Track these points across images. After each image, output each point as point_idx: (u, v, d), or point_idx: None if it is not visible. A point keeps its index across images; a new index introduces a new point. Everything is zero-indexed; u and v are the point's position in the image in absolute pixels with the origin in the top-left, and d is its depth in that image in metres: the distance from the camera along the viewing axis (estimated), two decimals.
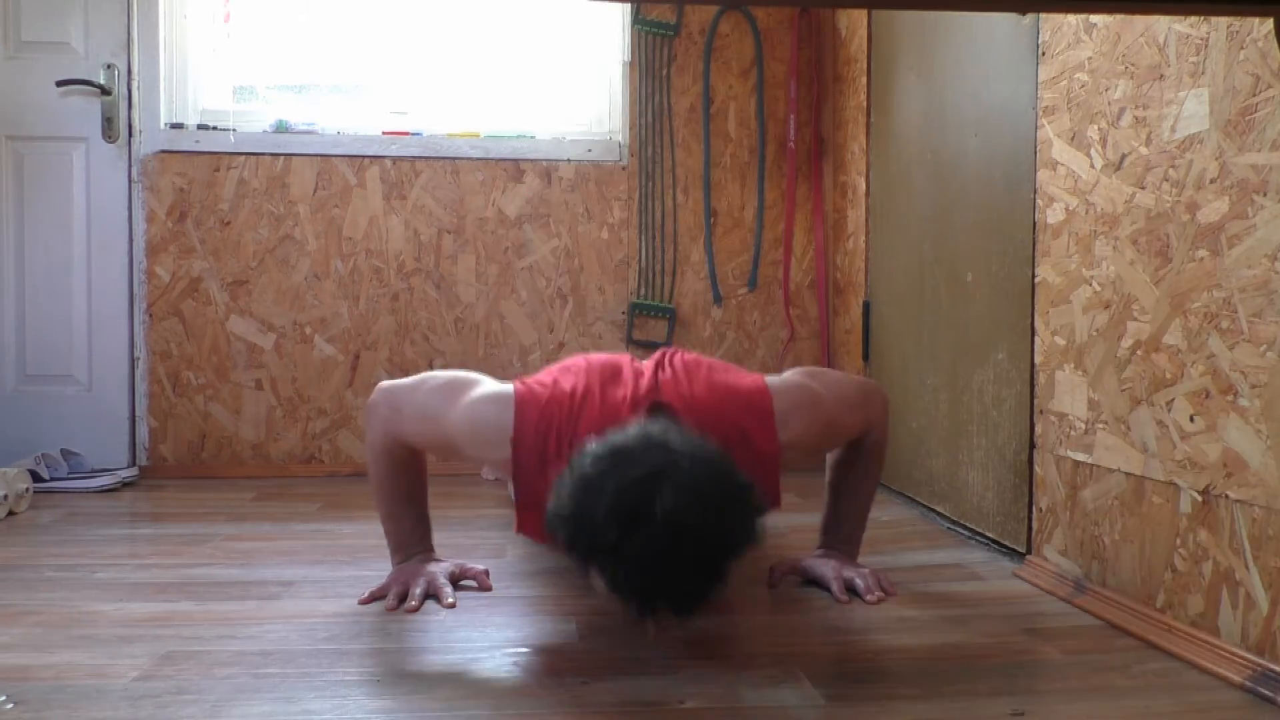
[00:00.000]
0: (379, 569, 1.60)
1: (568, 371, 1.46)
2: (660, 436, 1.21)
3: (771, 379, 1.48)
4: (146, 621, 1.40)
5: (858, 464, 1.59)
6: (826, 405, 1.49)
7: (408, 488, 1.55)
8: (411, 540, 1.57)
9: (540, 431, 1.37)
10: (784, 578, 1.61)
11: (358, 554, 1.79)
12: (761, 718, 1.09)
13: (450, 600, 1.47)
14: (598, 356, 1.51)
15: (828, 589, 1.54)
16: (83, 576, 1.64)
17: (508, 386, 1.44)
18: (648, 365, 1.48)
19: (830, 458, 1.64)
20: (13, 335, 2.62)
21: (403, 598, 1.47)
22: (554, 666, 1.24)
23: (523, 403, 1.39)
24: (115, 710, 1.08)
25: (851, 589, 1.53)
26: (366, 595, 1.50)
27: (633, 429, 1.24)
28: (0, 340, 2.61)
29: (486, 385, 1.46)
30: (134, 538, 2.01)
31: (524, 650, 1.29)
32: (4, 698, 1.11)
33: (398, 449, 1.50)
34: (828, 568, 1.56)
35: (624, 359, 1.49)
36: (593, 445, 1.22)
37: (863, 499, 1.62)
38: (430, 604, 1.47)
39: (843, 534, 1.62)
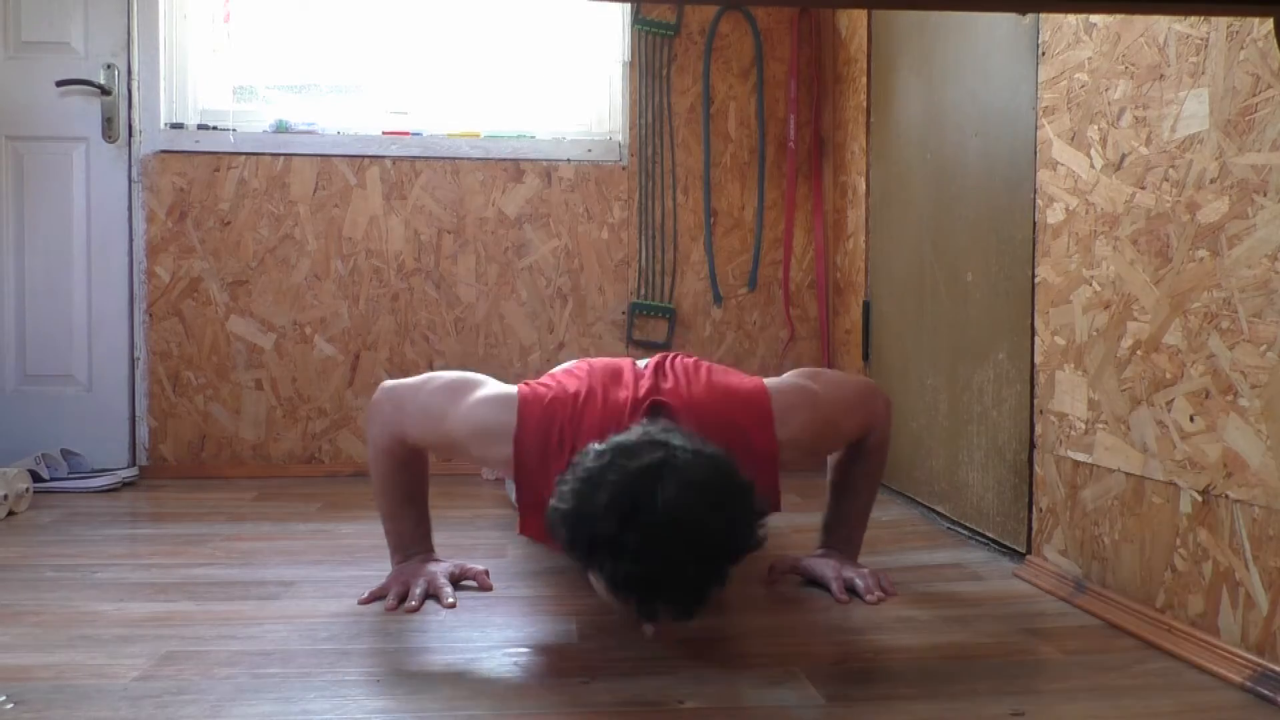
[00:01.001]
0: (379, 569, 1.60)
1: (570, 374, 1.48)
2: (661, 435, 1.23)
3: (770, 380, 1.50)
4: (146, 621, 1.40)
5: (858, 464, 1.59)
6: (825, 405, 1.50)
7: (409, 487, 1.55)
8: (412, 540, 1.57)
9: (543, 430, 1.38)
10: (783, 576, 1.61)
11: (358, 554, 1.79)
12: (761, 718, 1.09)
13: (450, 600, 1.47)
14: (599, 360, 1.53)
15: (828, 589, 1.54)
16: (83, 576, 1.64)
17: (511, 388, 1.46)
18: (648, 368, 1.49)
19: (832, 458, 1.64)
20: (13, 335, 2.62)
21: (403, 598, 1.47)
22: (554, 666, 1.24)
23: (526, 403, 1.41)
24: (115, 710, 1.08)
25: (851, 589, 1.53)
26: (366, 595, 1.50)
27: (635, 429, 1.26)
28: (0, 340, 2.61)
29: (490, 386, 1.48)
30: (134, 538, 2.01)
31: (524, 650, 1.29)
32: (4, 698, 1.11)
33: (399, 448, 1.50)
34: (828, 567, 1.56)
35: (625, 362, 1.52)
36: (595, 445, 1.24)
37: (864, 499, 1.62)
38: (430, 604, 1.47)
39: (843, 534, 1.62)
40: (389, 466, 1.53)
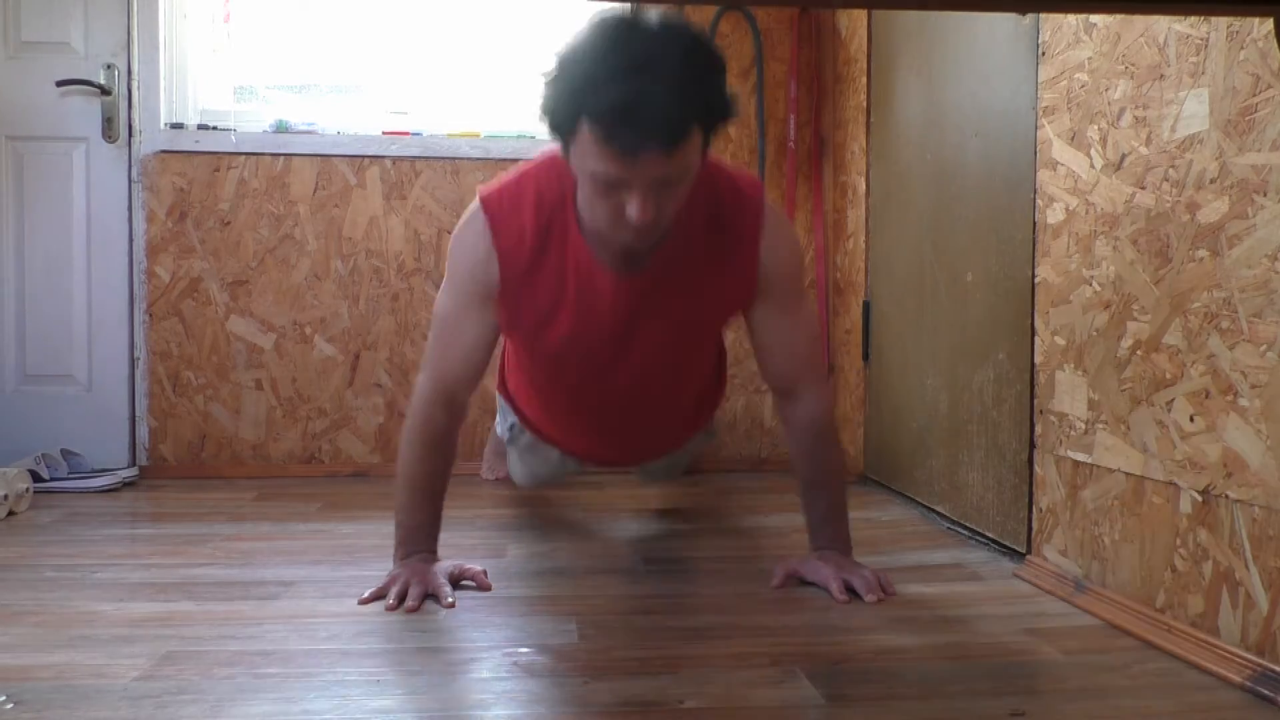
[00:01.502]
0: (379, 569, 1.60)
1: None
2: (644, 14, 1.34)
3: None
4: (146, 621, 1.40)
5: (815, 455, 1.63)
6: (802, 269, 1.68)
7: (431, 479, 1.57)
8: (419, 537, 1.57)
9: (511, 197, 1.49)
10: (786, 580, 1.60)
11: (358, 554, 1.79)
12: (761, 718, 1.09)
13: (450, 600, 1.47)
14: None
15: (827, 589, 1.54)
16: (83, 576, 1.64)
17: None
18: None
19: (791, 453, 1.67)
20: (13, 335, 2.62)
21: (402, 597, 1.47)
22: (554, 666, 1.24)
23: (486, 193, 1.52)
24: (115, 710, 1.08)
25: (851, 589, 1.53)
26: (366, 595, 1.50)
27: None
28: (0, 340, 2.61)
29: None
30: (134, 538, 2.01)
31: (524, 650, 1.29)
32: (4, 698, 1.11)
33: (438, 415, 1.56)
34: (827, 568, 1.56)
35: None
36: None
37: (835, 492, 1.64)
38: (430, 604, 1.47)
39: (829, 532, 1.62)
40: (420, 450, 1.56)
